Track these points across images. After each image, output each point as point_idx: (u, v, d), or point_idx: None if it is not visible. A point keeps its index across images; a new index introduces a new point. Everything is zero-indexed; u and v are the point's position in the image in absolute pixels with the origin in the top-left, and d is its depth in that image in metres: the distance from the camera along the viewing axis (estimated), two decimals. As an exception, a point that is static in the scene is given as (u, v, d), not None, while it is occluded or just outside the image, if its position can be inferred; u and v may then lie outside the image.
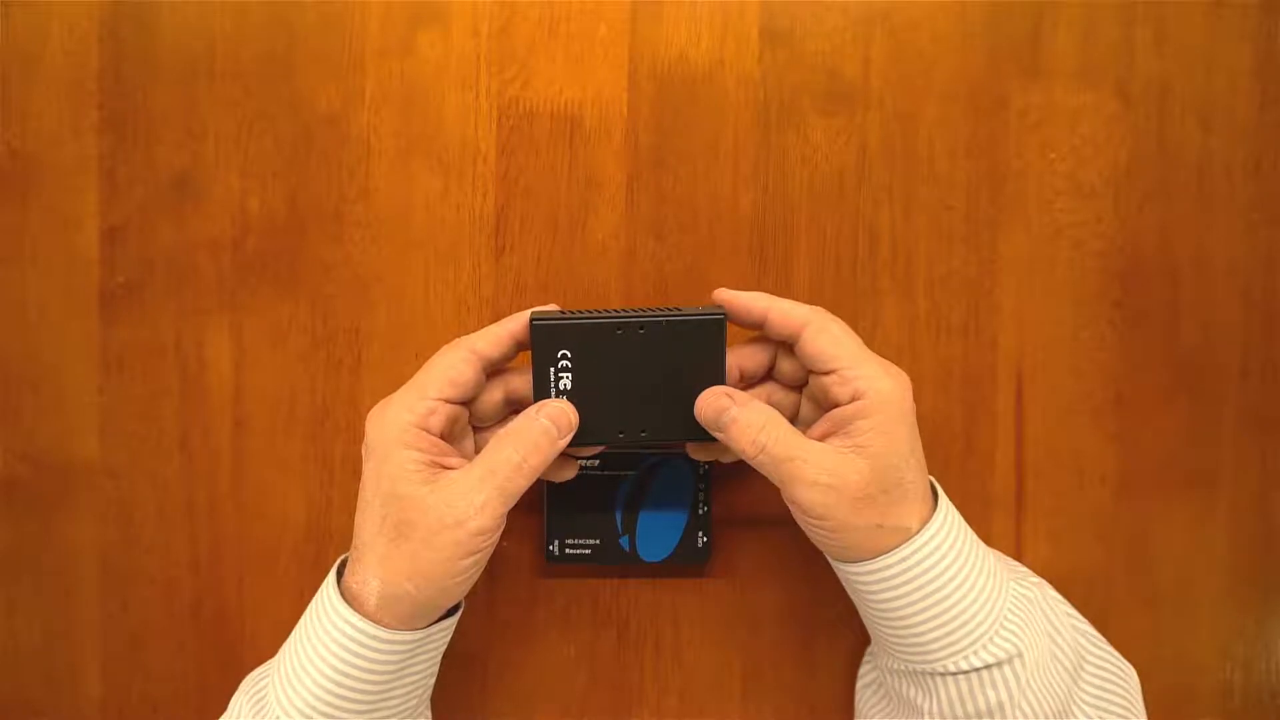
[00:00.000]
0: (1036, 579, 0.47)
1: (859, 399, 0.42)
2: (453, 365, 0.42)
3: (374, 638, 0.40)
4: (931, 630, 0.42)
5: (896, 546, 0.41)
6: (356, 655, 0.41)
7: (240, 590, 0.51)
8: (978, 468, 0.51)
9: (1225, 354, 0.51)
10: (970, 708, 0.42)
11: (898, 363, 0.50)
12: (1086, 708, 0.44)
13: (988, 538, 0.51)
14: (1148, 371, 0.51)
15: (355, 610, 0.41)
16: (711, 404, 0.43)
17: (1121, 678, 0.46)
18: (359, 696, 0.41)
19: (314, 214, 0.50)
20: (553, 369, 0.43)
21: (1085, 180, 0.51)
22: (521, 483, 0.41)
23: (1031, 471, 0.51)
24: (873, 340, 0.51)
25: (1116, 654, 0.47)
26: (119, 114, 0.50)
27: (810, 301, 0.50)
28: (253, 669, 0.48)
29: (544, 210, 0.50)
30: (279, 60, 0.50)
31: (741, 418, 0.42)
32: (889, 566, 0.41)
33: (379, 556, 0.41)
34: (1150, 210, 0.51)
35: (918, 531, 0.41)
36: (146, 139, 0.50)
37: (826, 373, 0.43)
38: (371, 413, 0.43)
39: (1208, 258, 0.51)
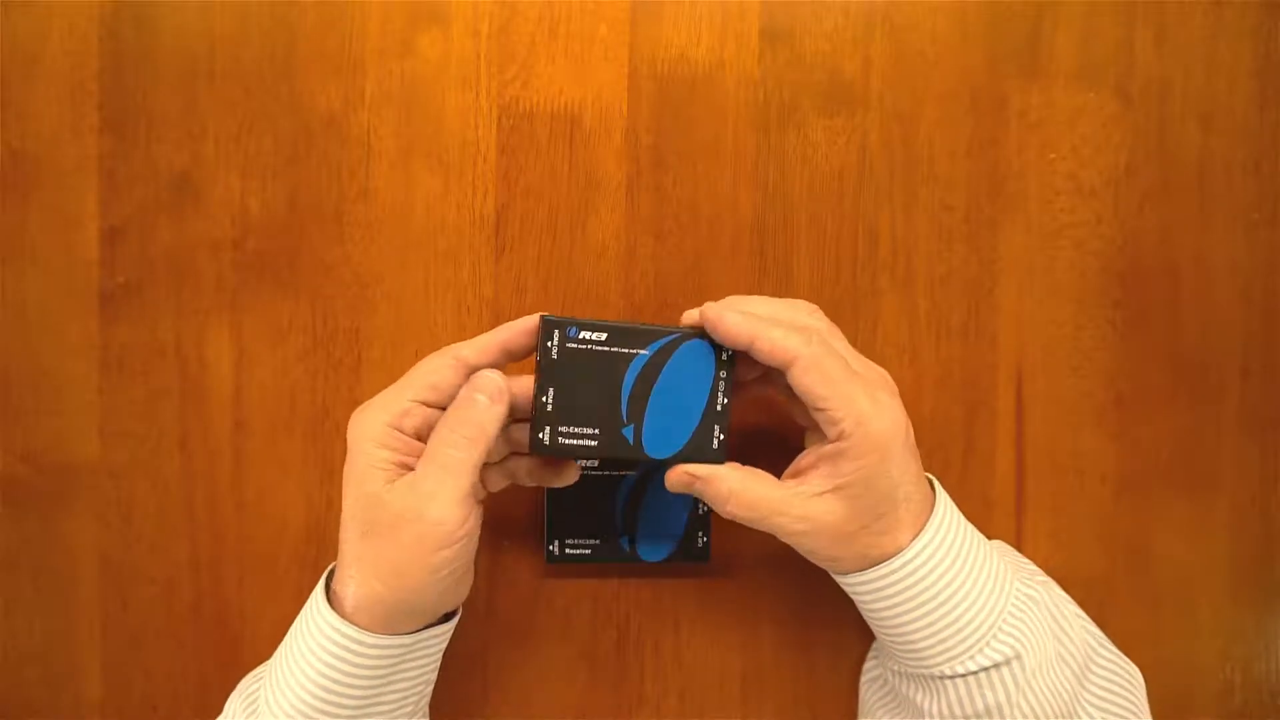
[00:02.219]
0: (1043, 578, 0.47)
1: (843, 439, 0.41)
2: (435, 370, 0.42)
3: (358, 642, 0.40)
4: (926, 637, 0.42)
5: (887, 559, 0.41)
6: (341, 660, 0.40)
7: (240, 590, 0.51)
8: (978, 468, 0.51)
9: (1225, 354, 0.51)
10: (970, 709, 0.42)
11: (898, 363, 0.51)
12: (1091, 709, 0.44)
13: (987, 537, 0.51)
14: (1148, 371, 0.51)
15: (340, 615, 0.41)
16: (678, 480, 0.43)
17: (1128, 679, 0.46)
18: (346, 701, 0.41)
19: (314, 214, 0.50)
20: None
21: (1085, 180, 0.51)
22: (468, 464, 0.40)
23: (1031, 471, 0.51)
24: (873, 340, 0.51)
25: (1122, 656, 0.47)
26: (119, 114, 0.50)
27: (811, 302, 0.51)
28: (252, 669, 0.48)
29: (544, 210, 0.50)
30: (279, 60, 0.50)
31: (708, 491, 0.43)
32: (882, 577, 0.42)
33: (354, 555, 0.41)
34: (1150, 210, 0.51)
35: (909, 542, 0.41)
36: (146, 139, 0.50)
37: (816, 409, 0.42)
38: (353, 414, 0.43)
39: (1208, 258, 0.51)
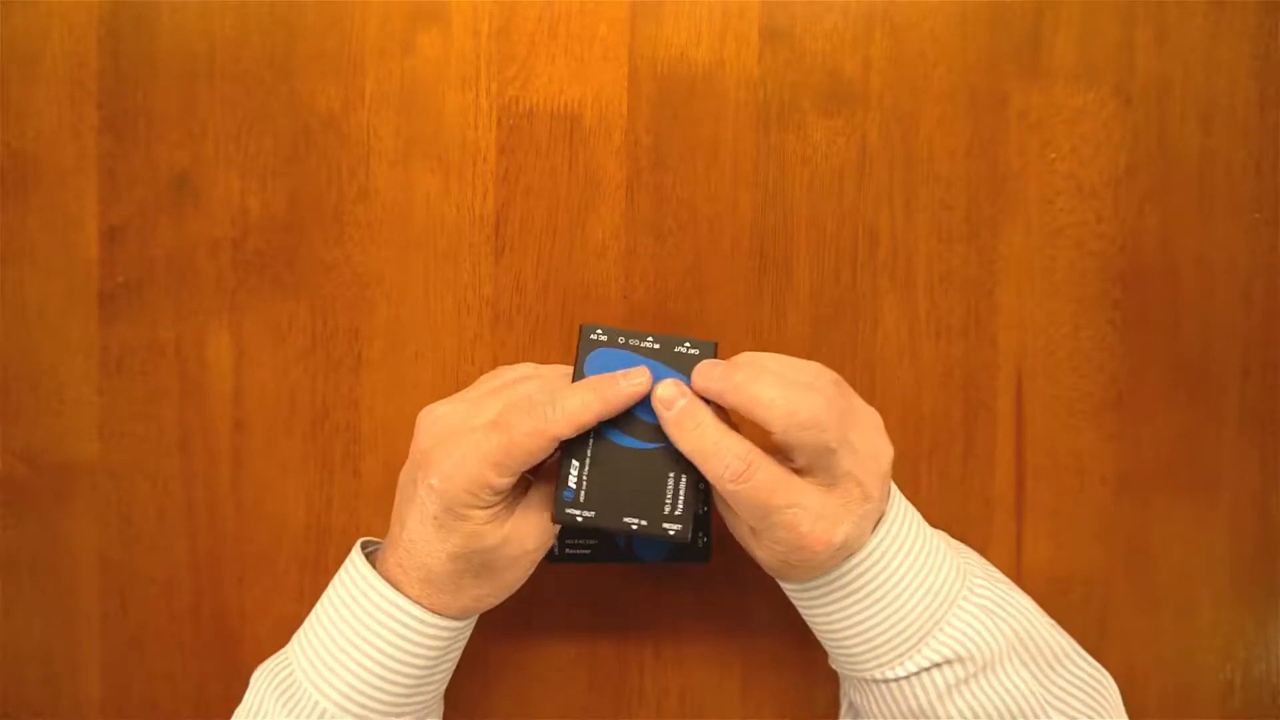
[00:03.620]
0: (1003, 582, 0.46)
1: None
2: (536, 451, 0.40)
3: (420, 620, 0.42)
4: (860, 642, 0.42)
5: (819, 575, 0.42)
6: (405, 639, 0.42)
7: (240, 590, 0.51)
8: (978, 468, 0.51)
9: (1225, 354, 0.51)
10: (899, 709, 0.43)
11: (897, 363, 0.51)
12: (1054, 713, 0.43)
13: (987, 537, 0.51)
14: (1148, 371, 0.51)
15: (427, 610, 0.42)
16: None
17: (1096, 685, 0.45)
18: (401, 681, 0.42)
19: (314, 214, 0.50)
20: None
21: (1085, 180, 0.51)
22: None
23: (1031, 471, 0.51)
24: (873, 340, 0.51)
25: (1096, 665, 0.46)
26: (119, 114, 0.50)
27: (811, 302, 0.51)
28: (253, 669, 0.48)
29: (544, 210, 0.50)
30: (279, 60, 0.50)
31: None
32: (816, 585, 0.42)
33: (463, 587, 0.42)
34: (1150, 210, 0.51)
35: (840, 561, 0.41)
36: (146, 139, 0.50)
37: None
38: (445, 466, 0.40)
39: (1208, 258, 0.51)
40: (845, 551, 0.41)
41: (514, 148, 0.50)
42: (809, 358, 0.50)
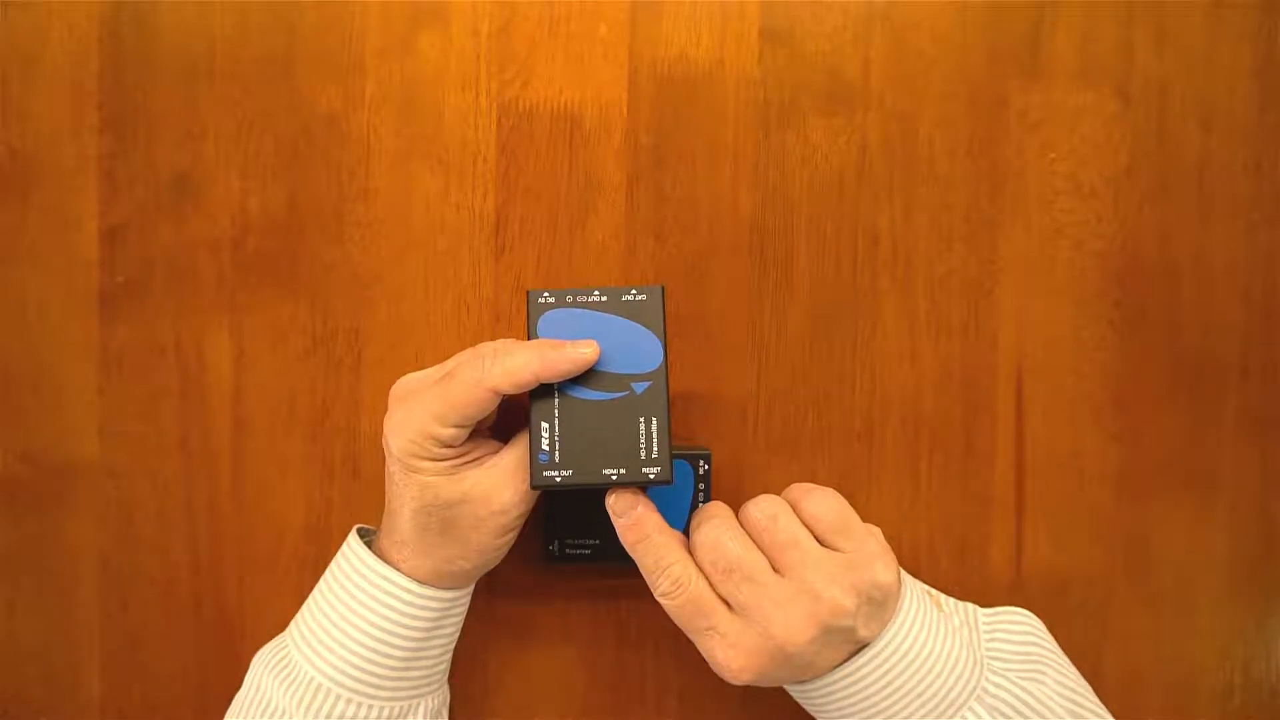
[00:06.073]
0: (1023, 668, 0.44)
1: None
2: (474, 403, 0.41)
3: (406, 589, 0.43)
4: None
5: (818, 676, 0.42)
6: (392, 608, 0.43)
7: (240, 590, 0.51)
8: (978, 468, 0.51)
9: (1225, 354, 0.51)
10: None
11: (897, 363, 0.51)
12: None
13: (987, 537, 0.51)
14: (1148, 371, 0.51)
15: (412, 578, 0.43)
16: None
17: None
18: (392, 654, 0.43)
19: (314, 214, 0.50)
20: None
21: (1085, 180, 0.51)
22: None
23: (1031, 471, 0.51)
24: (872, 340, 0.51)
25: None
26: (119, 114, 0.50)
27: (811, 302, 0.51)
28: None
29: (544, 210, 0.50)
30: (279, 60, 0.50)
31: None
32: (817, 688, 0.43)
33: (430, 546, 0.43)
34: (1150, 210, 0.51)
35: (841, 662, 0.42)
36: (146, 139, 0.50)
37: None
38: (395, 419, 0.42)
39: (1208, 258, 0.51)
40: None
41: (514, 148, 0.50)
42: (809, 357, 0.50)
